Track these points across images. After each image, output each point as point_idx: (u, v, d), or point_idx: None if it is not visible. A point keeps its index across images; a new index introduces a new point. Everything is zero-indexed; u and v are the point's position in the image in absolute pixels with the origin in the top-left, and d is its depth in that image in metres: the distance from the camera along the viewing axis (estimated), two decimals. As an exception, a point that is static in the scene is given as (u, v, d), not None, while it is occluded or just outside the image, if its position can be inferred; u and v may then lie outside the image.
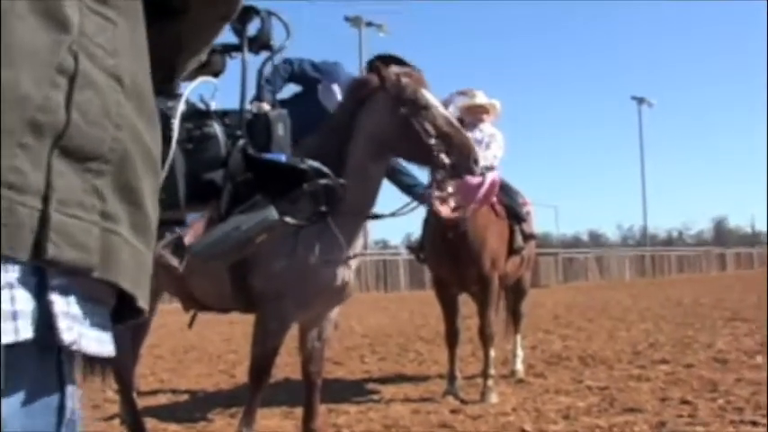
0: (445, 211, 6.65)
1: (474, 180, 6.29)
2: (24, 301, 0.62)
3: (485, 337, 7.24)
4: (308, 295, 4.92)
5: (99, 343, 0.69)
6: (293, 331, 5.34)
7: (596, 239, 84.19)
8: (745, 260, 56.28)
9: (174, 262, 5.01)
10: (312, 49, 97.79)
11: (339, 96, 5.61)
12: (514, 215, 7.63)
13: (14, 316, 0.61)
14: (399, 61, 5.13)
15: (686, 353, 9.39)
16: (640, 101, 60.08)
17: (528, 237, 7.86)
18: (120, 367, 5.60)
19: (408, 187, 6.04)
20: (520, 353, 8.42)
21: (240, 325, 10.31)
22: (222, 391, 8.07)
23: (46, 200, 0.62)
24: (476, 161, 4.78)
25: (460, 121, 6.96)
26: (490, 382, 7.07)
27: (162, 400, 7.66)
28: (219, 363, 10.02)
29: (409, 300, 22.73)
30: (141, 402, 5.98)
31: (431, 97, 4.89)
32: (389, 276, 31.28)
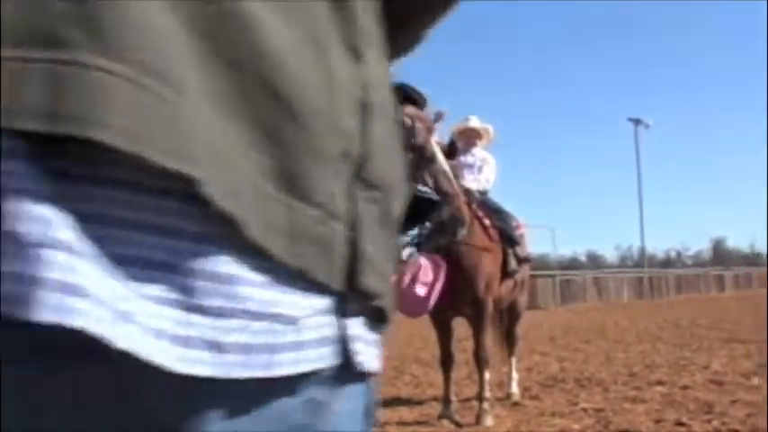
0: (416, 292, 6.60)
1: (420, 293, 6.26)
2: (330, 327, 0.62)
3: (480, 360, 7.23)
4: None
5: (378, 361, 0.69)
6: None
7: (594, 260, 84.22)
8: (743, 281, 56.26)
9: None
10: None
11: None
12: (508, 238, 7.65)
13: (322, 343, 0.61)
14: (413, 90, 5.08)
15: (682, 374, 9.36)
16: (637, 122, 60.29)
17: (522, 260, 7.87)
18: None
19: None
20: (515, 375, 8.40)
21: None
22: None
23: (354, 228, 0.62)
24: (462, 224, 4.75)
25: (453, 145, 6.99)
26: (486, 405, 7.05)
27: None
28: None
29: (405, 323, 22.64)
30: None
31: (437, 149, 4.86)
32: (387, 299, 31.14)
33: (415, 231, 4.92)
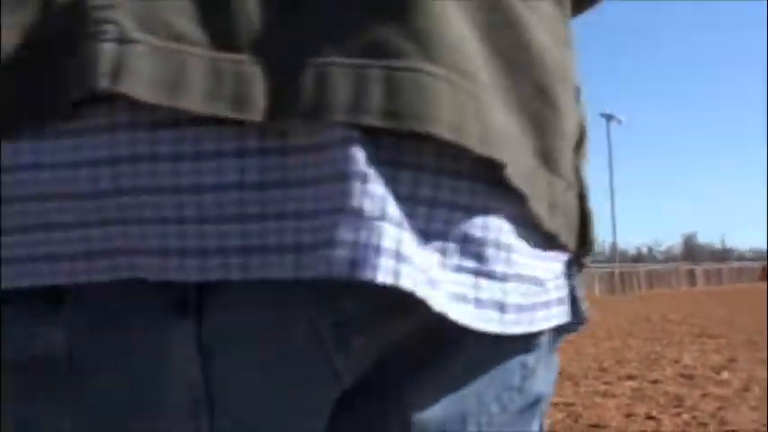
0: None
1: None
2: (564, 288, 0.70)
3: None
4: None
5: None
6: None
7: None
8: (714, 276, 56.77)
9: None
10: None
11: None
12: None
13: (561, 302, 0.69)
14: None
15: (653, 368, 9.40)
16: (609, 117, 60.57)
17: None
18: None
19: None
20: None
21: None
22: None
23: (580, 196, 0.71)
24: None
25: None
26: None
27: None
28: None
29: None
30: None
31: None
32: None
33: None
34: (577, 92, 0.73)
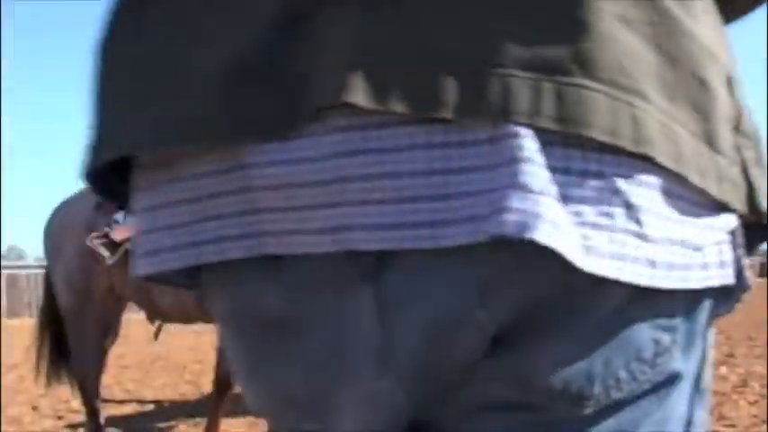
0: None
1: None
2: (727, 254, 0.81)
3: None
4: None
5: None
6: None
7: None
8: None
9: (105, 252, 5.02)
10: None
11: None
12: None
13: (723, 265, 0.80)
14: None
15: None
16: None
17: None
18: (85, 377, 5.57)
19: None
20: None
21: (206, 335, 10.26)
22: (188, 401, 8.01)
23: (744, 170, 0.82)
24: None
25: None
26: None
27: (127, 410, 7.61)
28: (185, 373, 9.97)
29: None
30: (106, 412, 5.95)
31: None
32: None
33: None
34: (733, 79, 0.83)
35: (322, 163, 0.72)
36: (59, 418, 7.25)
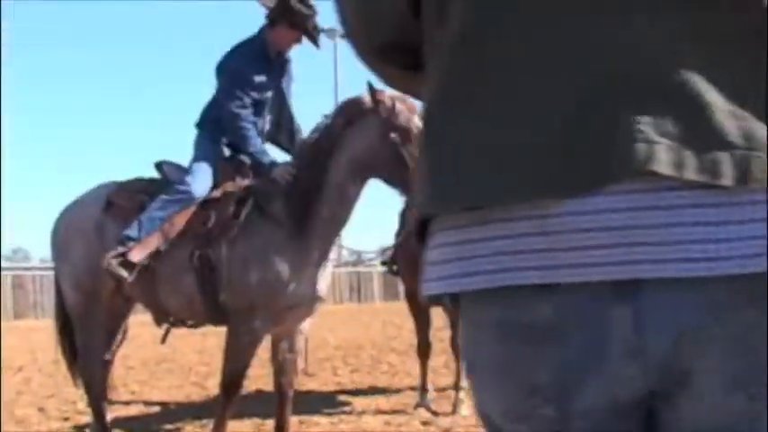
0: None
1: None
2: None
3: (457, 349, 7.21)
4: (279, 309, 4.91)
5: None
6: (266, 343, 5.34)
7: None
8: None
9: (123, 273, 5.02)
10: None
11: None
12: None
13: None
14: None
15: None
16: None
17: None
18: (91, 378, 5.58)
19: None
20: (492, 365, 8.40)
21: (213, 337, 10.27)
22: (194, 403, 8.04)
23: None
24: None
25: None
26: (462, 395, 7.05)
27: (133, 411, 7.62)
28: (191, 374, 10.00)
29: (383, 311, 22.73)
30: (112, 414, 5.95)
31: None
32: (363, 288, 31.26)
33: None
34: None
35: (618, 214, 1.00)
36: (66, 419, 7.26)
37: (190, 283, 5.05)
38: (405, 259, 7.36)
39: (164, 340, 5.66)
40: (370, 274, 31.70)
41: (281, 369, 5.28)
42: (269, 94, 5.55)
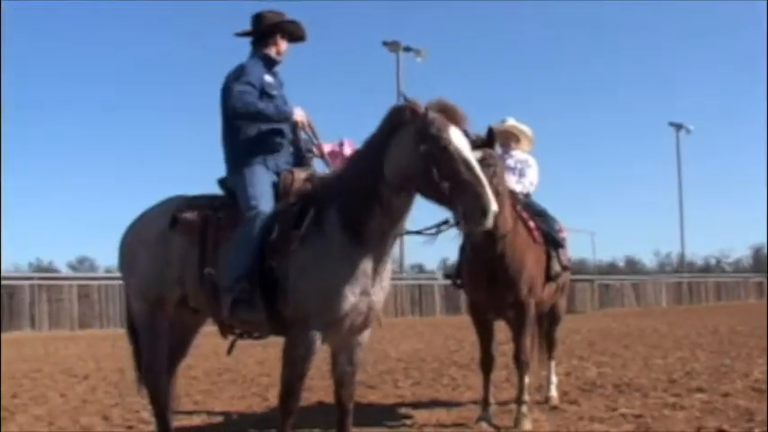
0: None
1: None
2: None
3: (519, 363, 7.19)
4: (334, 320, 4.91)
5: None
6: (327, 354, 5.36)
7: (633, 266, 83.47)
8: (784, 288, 55.67)
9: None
10: (349, 73, 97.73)
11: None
12: (552, 241, 7.60)
13: None
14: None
15: (723, 381, 9.29)
16: (678, 127, 59.59)
17: (564, 266, 7.80)
18: (156, 388, 5.64)
19: None
20: (554, 379, 8.38)
21: (274, 348, 10.29)
22: (255, 413, 8.09)
23: None
24: (484, 212, 4.52)
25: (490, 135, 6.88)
26: (524, 409, 7.04)
27: (196, 421, 7.70)
28: (253, 385, 10.06)
29: (444, 325, 22.65)
30: (175, 424, 6.01)
31: (456, 137, 4.67)
32: (425, 301, 31.29)
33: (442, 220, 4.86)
34: None
35: None
36: (129, 428, 7.35)
37: (255, 294, 5.08)
38: (469, 273, 7.36)
39: (229, 352, 5.69)
40: (431, 287, 31.72)
41: (341, 381, 5.29)
42: (275, 92, 5.64)
